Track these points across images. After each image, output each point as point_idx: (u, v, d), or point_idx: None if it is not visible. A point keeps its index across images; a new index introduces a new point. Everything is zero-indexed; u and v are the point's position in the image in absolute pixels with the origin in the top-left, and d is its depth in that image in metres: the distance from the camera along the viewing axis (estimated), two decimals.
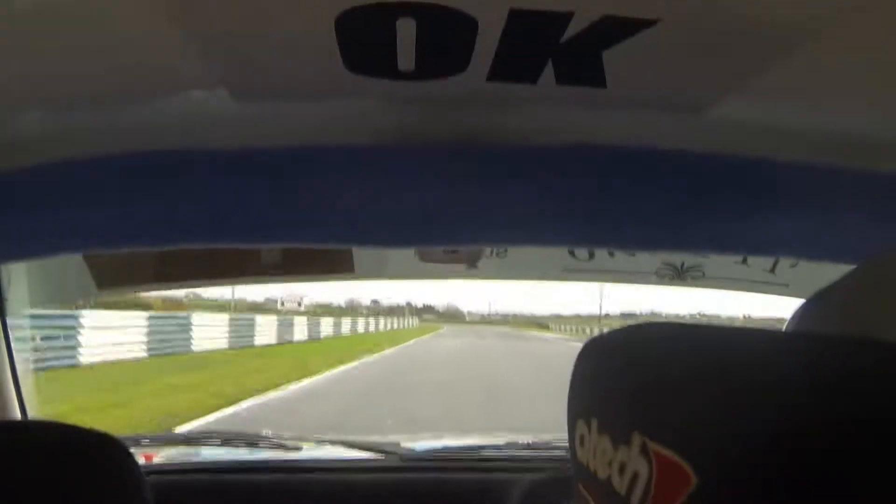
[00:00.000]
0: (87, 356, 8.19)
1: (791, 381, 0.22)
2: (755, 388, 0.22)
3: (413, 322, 29.66)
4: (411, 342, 20.36)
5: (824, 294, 0.36)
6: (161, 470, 1.05)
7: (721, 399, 0.23)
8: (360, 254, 0.99)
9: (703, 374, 0.24)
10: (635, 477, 0.24)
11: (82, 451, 0.48)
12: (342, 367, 10.88)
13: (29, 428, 0.55)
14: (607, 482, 0.26)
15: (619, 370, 0.29)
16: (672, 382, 0.25)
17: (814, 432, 0.20)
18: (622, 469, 0.25)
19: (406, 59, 0.51)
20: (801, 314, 0.37)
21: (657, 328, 0.31)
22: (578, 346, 0.34)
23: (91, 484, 0.46)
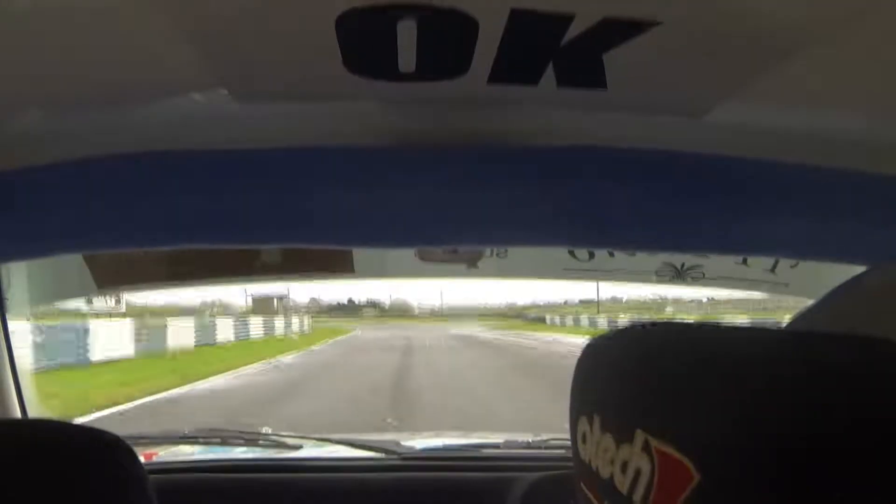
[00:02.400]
0: None
1: (793, 380, 0.22)
2: (757, 386, 0.22)
3: (303, 325, 19.74)
4: None
5: (830, 296, 0.36)
6: (161, 469, 1.05)
7: (723, 397, 0.23)
8: (360, 254, 0.99)
9: (706, 373, 0.25)
10: (637, 474, 0.25)
11: (86, 450, 0.48)
12: None
13: (31, 426, 0.55)
14: (609, 480, 0.27)
15: (622, 368, 0.29)
16: (674, 381, 0.25)
17: (815, 431, 0.20)
18: (624, 467, 0.26)
19: (407, 60, 0.51)
20: (806, 315, 0.37)
21: (660, 327, 0.31)
22: None
23: (96, 483, 0.46)
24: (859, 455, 0.19)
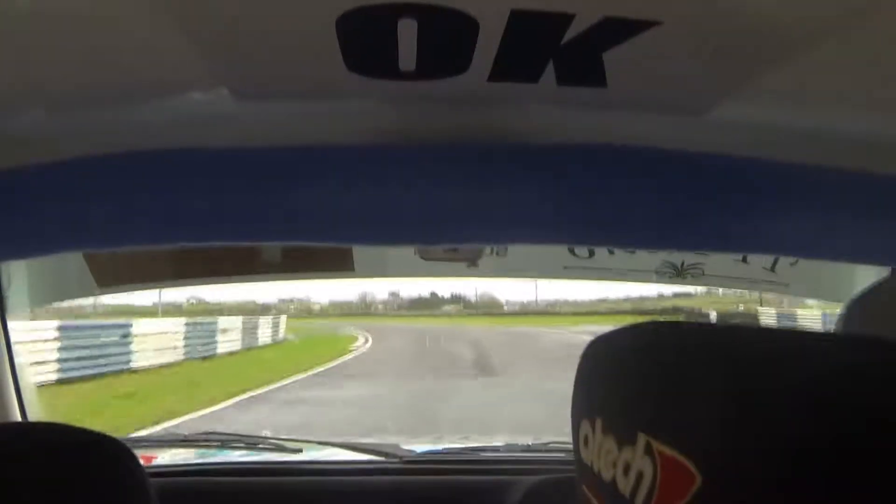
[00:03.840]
0: None
1: (795, 381, 0.22)
2: (759, 387, 0.22)
3: (273, 330, 11.38)
4: None
5: (860, 299, 0.36)
6: (161, 472, 1.05)
7: (725, 399, 0.23)
8: (361, 252, 0.99)
9: (708, 374, 0.24)
10: (640, 477, 0.25)
11: (88, 454, 0.47)
12: None
13: (33, 430, 0.55)
14: (611, 482, 0.26)
15: (624, 370, 0.29)
16: (677, 382, 0.25)
17: (818, 432, 0.20)
18: (627, 469, 0.25)
19: (407, 59, 0.51)
20: (840, 319, 0.36)
21: (661, 328, 0.31)
22: None
23: (98, 486, 0.46)
24: (863, 455, 0.19)
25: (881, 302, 0.35)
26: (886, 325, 0.33)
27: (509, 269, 1.04)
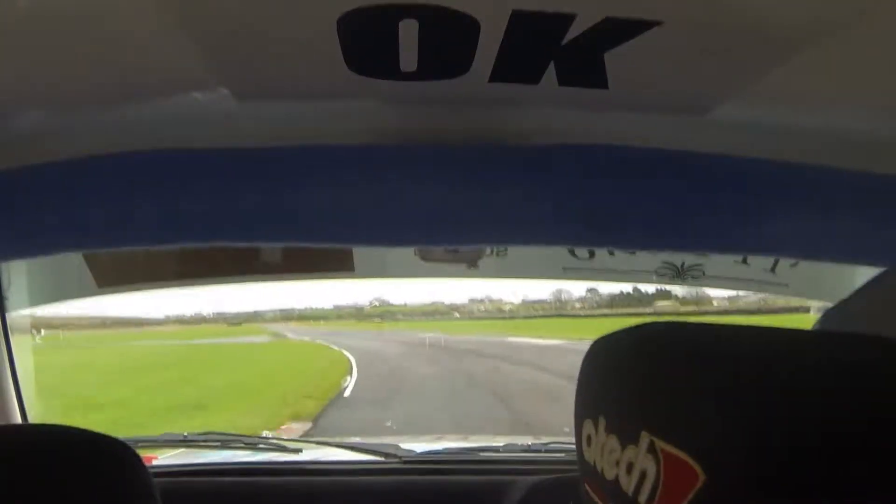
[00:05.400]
0: None
1: (800, 380, 0.22)
2: (762, 386, 0.22)
3: None
4: None
5: (848, 301, 0.36)
6: (161, 472, 1.05)
7: (729, 397, 0.23)
8: (361, 253, 0.99)
9: (711, 373, 0.24)
10: (643, 476, 0.25)
11: (90, 455, 0.47)
12: None
13: (34, 432, 0.54)
14: (615, 481, 0.26)
15: (627, 369, 0.29)
16: (679, 381, 0.25)
17: (821, 430, 0.20)
18: (630, 468, 0.25)
19: (408, 60, 0.51)
20: (825, 319, 0.37)
21: (663, 327, 0.31)
22: None
23: (101, 487, 0.46)
24: (868, 454, 0.19)
25: (872, 301, 0.35)
26: (879, 323, 0.33)
27: (509, 270, 1.04)
